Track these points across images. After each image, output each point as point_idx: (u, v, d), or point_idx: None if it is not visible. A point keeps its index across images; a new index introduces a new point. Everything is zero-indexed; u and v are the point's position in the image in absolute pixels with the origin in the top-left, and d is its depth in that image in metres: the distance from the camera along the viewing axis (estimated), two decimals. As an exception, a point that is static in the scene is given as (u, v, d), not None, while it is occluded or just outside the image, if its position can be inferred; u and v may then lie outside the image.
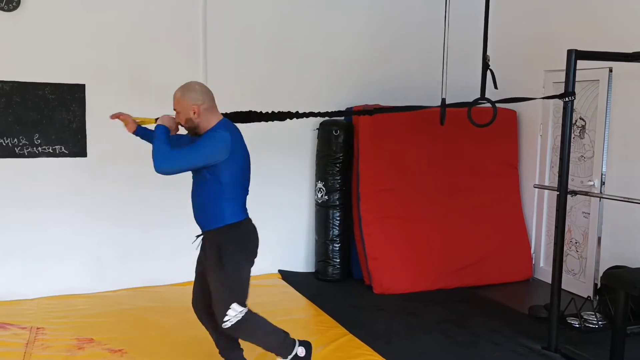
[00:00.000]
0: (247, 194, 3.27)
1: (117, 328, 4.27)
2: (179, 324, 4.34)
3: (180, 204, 5.25)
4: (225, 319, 3.06)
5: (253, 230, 3.27)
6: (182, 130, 3.30)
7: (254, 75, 5.47)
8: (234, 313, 3.05)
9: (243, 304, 3.14)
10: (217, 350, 3.51)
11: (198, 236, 3.30)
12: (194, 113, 3.10)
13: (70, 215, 4.97)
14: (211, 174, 3.05)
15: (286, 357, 3.33)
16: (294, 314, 4.67)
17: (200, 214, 3.21)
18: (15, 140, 4.75)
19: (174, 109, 3.19)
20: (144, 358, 3.79)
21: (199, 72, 5.26)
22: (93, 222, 5.06)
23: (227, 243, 3.12)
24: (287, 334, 3.34)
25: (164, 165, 2.93)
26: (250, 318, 3.17)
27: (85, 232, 5.04)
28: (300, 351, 3.36)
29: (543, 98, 4.56)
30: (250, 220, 3.27)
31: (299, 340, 3.39)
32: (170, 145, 3.01)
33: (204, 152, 2.99)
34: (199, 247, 3.34)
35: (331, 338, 4.13)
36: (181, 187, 5.31)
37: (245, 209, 3.26)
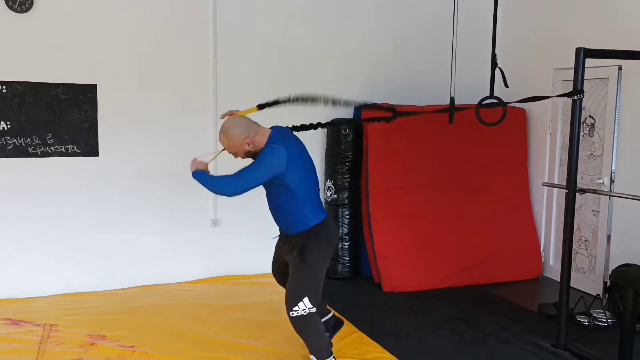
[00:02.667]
0: (319, 192, 3.44)
1: (128, 325, 4.31)
2: (190, 322, 4.39)
3: (191, 202, 5.35)
4: (294, 309, 3.23)
5: (334, 231, 3.47)
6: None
7: (263, 75, 5.50)
8: (303, 307, 3.22)
9: (313, 302, 3.28)
10: (224, 348, 3.66)
11: (278, 236, 3.51)
12: (249, 145, 3.23)
13: (83, 214, 5.02)
14: (280, 185, 3.22)
15: None
16: (303, 311, 4.70)
17: (282, 220, 3.39)
18: (29, 139, 4.81)
19: (230, 152, 3.31)
20: (154, 355, 3.83)
21: (208, 71, 5.30)
22: (105, 221, 5.11)
23: (311, 244, 3.30)
24: (331, 344, 3.53)
25: (227, 190, 3.18)
26: (312, 319, 3.33)
27: (97, 231, 5.09)
28: None
29: (551, 97, 4.56)
30: (329, 218, 3.44)
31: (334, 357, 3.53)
32: (214, 177, 3.24)
33: (262, 168, 3.17)
34: (277, 237, 3.56)
35: (340, 335, 4.14)
36: (191, 187, 5.39)
37: (322, 208, 3.44)
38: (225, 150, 3.34)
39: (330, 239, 3.42)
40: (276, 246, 3.65)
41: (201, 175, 3.27)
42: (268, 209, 3.46)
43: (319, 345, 3.45)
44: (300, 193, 3.27)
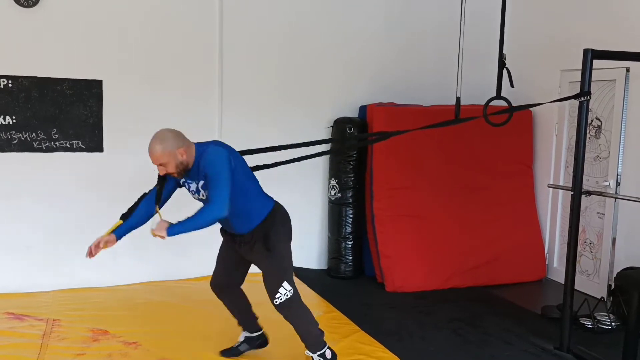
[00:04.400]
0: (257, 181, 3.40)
1: (131, 321, 4.32)
2: (192, 318, 4.39)
3: (194, 199, 5.34)
4: (277, 296, 3.24)
5: (285, 212, 3.43)
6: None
7: (269, 72, 5.50)
8: (284, 291, 3.25)
9: (291, 284, 3.32)
10: (227, 345, 3.74)
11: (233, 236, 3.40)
12: (182, 155, 3.14)
13: (87, 209, 5.02)
14: (234, 186, 3.11)
15: (315, 353, 3.47)
16: (306, 310, 4.69)
17: (237, 221, 3.28)
18: (34, 134, 4.82)
19: (159, 164, 3.19)
20: (157, 351, 3.84)
21: (214, 69, 5.30)
22: (109, 217, 5.10)
23: (271, 231, 3.28)
24: (323, 332, 3.51)
25: (217, 210, 3.06)
26: (297, 299, 3.35)
27: (101, 227, 5.06)
28: (328, 353, 3.49)
29: (557, 100, 4.53)
30: (277, 202, 3.43)
31: (329, 346, 3.53)
32: (190, 217, 3.13)
33: (223, 167, 3.08)
34: (227, 239, 3.48)
35: (343, 335, 4.15)
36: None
37: (267, 195, 3.41)
38: (158, 214, 3.25)
39: (285, 221, 3.40)
40: (225, 253, 3.56)
41: (178, 227, 3.14)
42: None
43: (312, 333, 3.43)
44: (250, 185, 3.26)
